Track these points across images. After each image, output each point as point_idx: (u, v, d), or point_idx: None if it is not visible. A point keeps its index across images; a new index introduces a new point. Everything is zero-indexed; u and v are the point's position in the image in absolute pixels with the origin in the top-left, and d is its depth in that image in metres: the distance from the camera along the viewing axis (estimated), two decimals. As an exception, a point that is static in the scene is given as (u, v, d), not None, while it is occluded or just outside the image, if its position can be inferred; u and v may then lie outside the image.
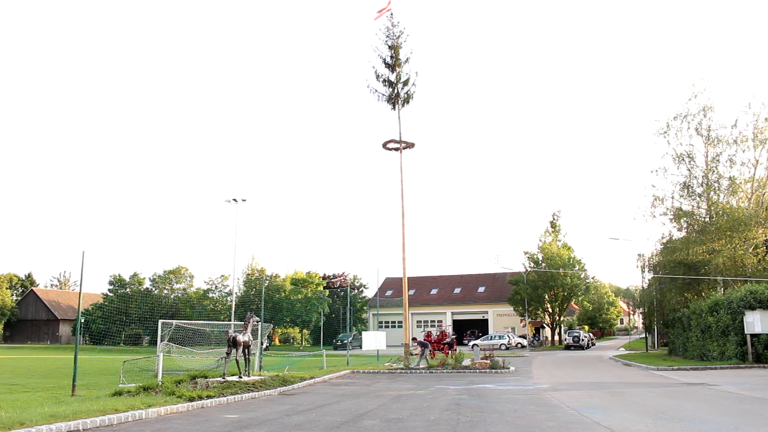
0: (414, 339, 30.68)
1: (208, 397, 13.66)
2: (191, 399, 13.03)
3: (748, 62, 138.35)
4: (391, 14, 29.95)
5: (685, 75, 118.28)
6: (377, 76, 29.89)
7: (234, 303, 51.12)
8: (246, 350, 18.16)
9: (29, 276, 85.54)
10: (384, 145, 29.73)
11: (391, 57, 29.73)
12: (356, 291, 77.05)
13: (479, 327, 65.08)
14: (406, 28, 30.23)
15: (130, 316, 62.33)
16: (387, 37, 29.90)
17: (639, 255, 39.93)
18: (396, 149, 29.44)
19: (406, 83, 29.79)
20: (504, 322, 62.17)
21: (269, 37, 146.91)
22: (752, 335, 23.60)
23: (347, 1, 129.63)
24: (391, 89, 29.73)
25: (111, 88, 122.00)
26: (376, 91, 30.03)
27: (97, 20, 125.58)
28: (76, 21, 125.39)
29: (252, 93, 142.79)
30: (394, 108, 29.72)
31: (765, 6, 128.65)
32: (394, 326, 63.86)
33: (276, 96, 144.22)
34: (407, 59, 29.88)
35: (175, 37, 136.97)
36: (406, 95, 29.72)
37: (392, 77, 29.71)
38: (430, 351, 28.08)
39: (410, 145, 29.73)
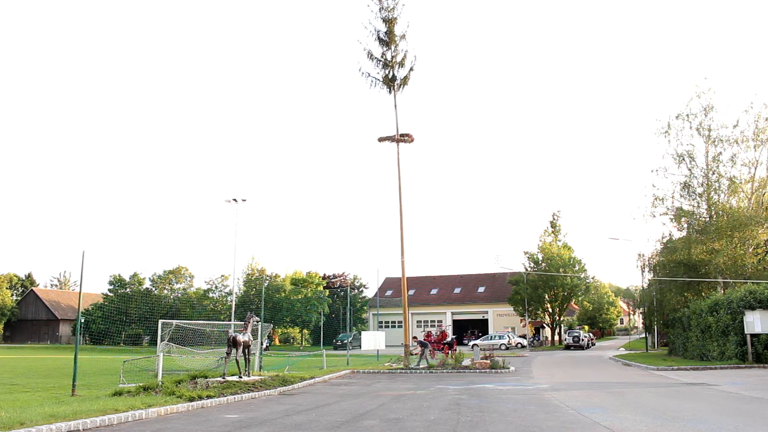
0: (415, 338, 30.69)
1: (208, 397, 13.67)
2: (191, 399, 13.04)
3: (749, 62, 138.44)
4: None
5: (686, 75, 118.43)
6: (370, 56, 27.31)
7: (234, 303, 51.14)
8: (246, 350, 18.16)
9: (29, 276, 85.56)
10: (380, 139, 28.00)
11: (386, 33, 27.07)
12: (356, 291, 77.07)
13: (479, 327, 65.11)
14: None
15: (130, 316, 62.36)
16: (380, 8, 27.15)
17: (639, 255, 39.98)
18: (392, 140, 27.67)
19: (402, 64, 27.32)
20: (504, 322, 62.18)
21: (268, 37, 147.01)
22: (752, 335, 23.60)
23: None
24: (386, 70, 27.30)
25: (111, 88, 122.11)
26: (368, 75, 27.40)
27: (97, 21, 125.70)
28: (76, 21, 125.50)
29: (252, 93, 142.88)
30: (390, 92, 27.52)
31: (766, 6, 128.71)
32: (394, 326, 63.86)
33: (276, 96, 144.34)
34: (403, 35, 27.22)
35: (173, 37, 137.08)
36: (403, 78, 27.33)
37: (388, 55, 27.18)
38: (430, 351, 28.08)
39: (408, 138, 27.84)
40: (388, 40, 27.21)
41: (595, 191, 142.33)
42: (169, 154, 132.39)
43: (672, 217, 34.90)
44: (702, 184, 33.50)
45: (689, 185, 33.99)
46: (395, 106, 27.77)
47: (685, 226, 35.05)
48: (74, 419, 9.92)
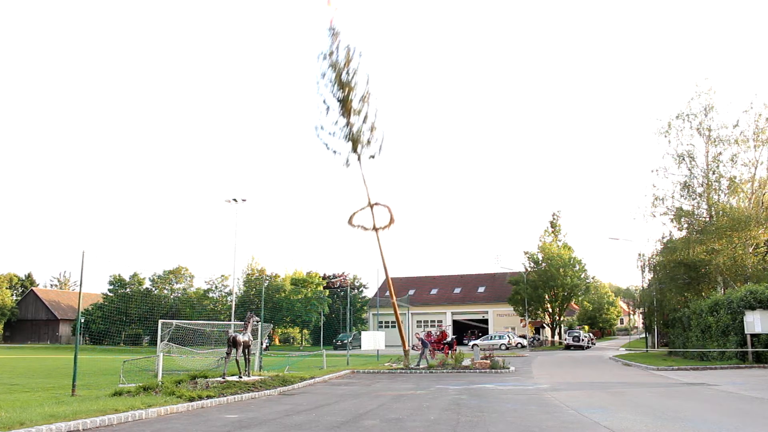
0: (417, 335, 30.82)
1: (208, 397, 13.66)
2: (191, 399, 13.03)
3: (749, 61, 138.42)
4: (333, 31, 21.86)
5: (686, 75, 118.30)
6: (325, 116, 22.24)
7: (234, 303, 51.12)
8: (246, 350, 18.16)
9: (29, 276, 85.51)
10: (351, 222, 23.81)
11: (341, 100, 21.97)
12: (356, 291, 77.07)
13: (479, 327, 65.11)
14: (357, 49, 21.85)
15: (130, 316, 62.39)
16: (331, 68, 21.94)
17: (639, 255, 39.96)
18: (366, 227, 23.62)
19: (370, 128, 22.28)
20: (504, 322, 62.18)
21: (268, 37, 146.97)
22: (752, 335, 23.59)
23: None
24: (349, 142, 22.68)
25: (111, 88, 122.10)
26: (327, 146, 22.53)
27: (97, 20, 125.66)
28: (76, 21, 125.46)
29: (251, 93, 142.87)
30: (354, 152, 22.68)
31: (766, 6, 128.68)
32: (394, 326, 63.71)
33: (275, 95, 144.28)
34: (365, 96, 22.05)
35: (175, 38, 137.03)
36: (369, 146, 22.47)
37: (351, 120, 22.16)
38: (429, 350, 28.04)
39: (386, 220, 23.23)
40: (344, 109, 22.17)
41: (595, 191, 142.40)
42: (169, 155, 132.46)
43: (672, 217, 34.87)
44: (702, 184, 33.48)
45: (689, 185, 33.96)
46: (364, 179, 23.54)
47: (685, 226, 35.03)
48: (74, 419, 9.92)
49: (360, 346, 38.97)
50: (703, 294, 32.70)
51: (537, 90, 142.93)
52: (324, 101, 22.11)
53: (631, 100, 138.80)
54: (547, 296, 56.92)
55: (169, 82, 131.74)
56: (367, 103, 22.23)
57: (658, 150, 47.38)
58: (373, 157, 22.83)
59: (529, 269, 57.70)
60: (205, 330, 28.71)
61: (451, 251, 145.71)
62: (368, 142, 22.60)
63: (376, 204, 23.93)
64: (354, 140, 22.45)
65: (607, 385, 17.66)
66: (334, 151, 22.65)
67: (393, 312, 27.01)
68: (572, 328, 67.21)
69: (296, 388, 17.56)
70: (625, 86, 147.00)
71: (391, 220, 23.97)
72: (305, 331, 72.12)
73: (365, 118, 22.41)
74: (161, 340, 22.58)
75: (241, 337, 17.66)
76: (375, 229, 23.99)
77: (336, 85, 21.87)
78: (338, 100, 22.01)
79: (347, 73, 21.77)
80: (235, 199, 42.70)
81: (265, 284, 65.54)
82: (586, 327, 77.36)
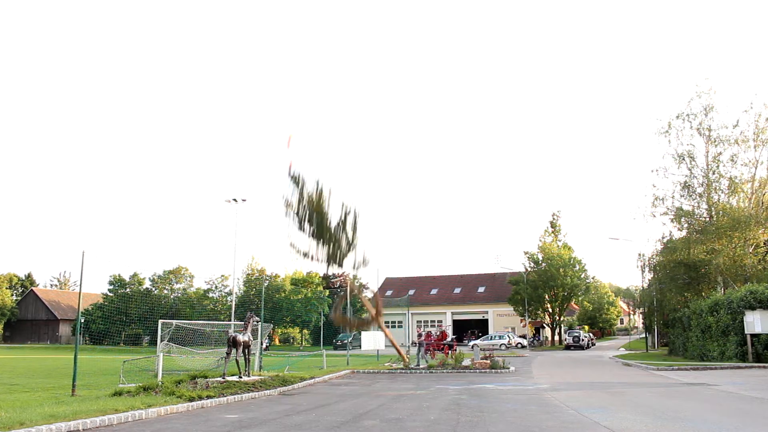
0: (418, 330, 30.97)
1: (208, 397, 13.65)
2: (191, 399, 13.02)
3: (749, 62, 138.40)
4: (296, 179, 19.85)
5: (686, 75, 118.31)
6: (298, 250, 20.22)
7: (234, 303, 51.17)
8: (246, 350, 18.15)
9: (29, 276, 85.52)
10: (337, 312, 23.36)
11: (314, 229, 19.99)
12: (356, 291, 77.03)
13: (479, 327, 65.13)
14: (327, 184, 19.93)
15: (130, 316, 62.43)
16: (300, 204, 19.83)
17: (639, 255, 40.05)
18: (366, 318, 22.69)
19: (348, 246, 20.54)
20: (504, 322, 62.21)
21: (268, 37, 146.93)
22: (752, 335, 23.59)
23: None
24: (329, 260, 20.59)
25: (111, 88, 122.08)
26: (304, 256, 20.48)
27: (97, 19, 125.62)
28: (76, 21, 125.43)
29: (251, 92, 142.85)
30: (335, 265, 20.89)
31: (766, 6, 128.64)
32: (395, 326, 63.76)
33: (274, 94, 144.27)
34: (342, 223, 20.30)
35: (177, 38, 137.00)
36: (353, 254, 20.70)
37: (325, 251, 20.18)
38: (425, 349, 27.89)
39: (374, 308, 23.09)
40: (319, 237, 20.15)
41: (595, 191, 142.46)
42: (169, 155, 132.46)
43: (672, 217, 34.89)
44: (702, 184, 33.49)
45: (689, 185, 33.98)
46: (350, 294, 22.65)
47: (685, 226, 35.05)
48: (74, 419, 9.91)
49: (360, 346, 38.92)
50: (703, 294, 32.70)
51: (537, 90, 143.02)
52: (294, 221, 20.12)
53: (631, 100, 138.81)
54: (547, 296, 56.97)
55: (170, 82, 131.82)
56: (345, 230, 20.56)
57: (658, 150, 47.70)
58: (356, 268, 21.37)
59: (529, 269, 57.75)
60: (205, 330, 28.71)
61: (451, 251, 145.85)
62: (349, 249, 20.86)
63: (364, 287, 23.75)
64: (332, 259, 20.62)
65: (607, 385, 17.65)
66: (312, 258, 20.50)
67: (393, 312, 26.68)
68: (572, 328, 67.22)
69: (296, 388, 17.56)
70: (626, 86, 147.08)
71: (378, 312, 23.73)
72: (305, 331, 72.12)
73: (344, 236, 20.67)
74: (161, 340, 22.58)
75: (241, 337, 17.65)
76: (375, 317, 23.93)
77: (306, 221, 19.95)
78: (310, 225, 20.11)
79: (319, 204, 19.90)
80: (235, 199, 42.79)
81: (265, 284, 65.58)
82: (586, 327, 77.38)
